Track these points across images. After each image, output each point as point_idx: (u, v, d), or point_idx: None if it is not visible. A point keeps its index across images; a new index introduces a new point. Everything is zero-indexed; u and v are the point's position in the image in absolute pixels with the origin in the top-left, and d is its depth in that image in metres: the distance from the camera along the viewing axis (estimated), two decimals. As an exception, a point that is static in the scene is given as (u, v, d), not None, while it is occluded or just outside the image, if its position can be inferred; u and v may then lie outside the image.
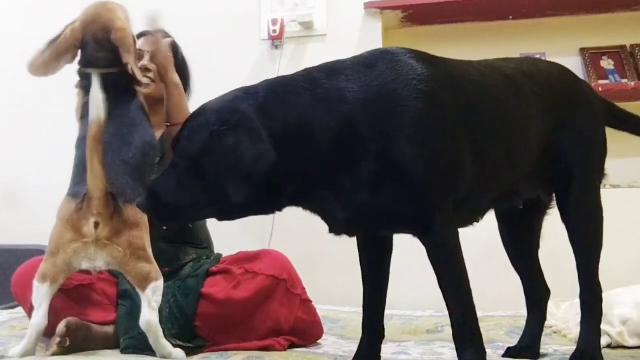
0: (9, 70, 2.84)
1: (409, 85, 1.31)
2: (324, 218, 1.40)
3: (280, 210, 1.37)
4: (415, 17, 3.03)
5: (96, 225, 1.52)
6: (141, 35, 2.09)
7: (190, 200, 1.30)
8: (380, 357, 1.54)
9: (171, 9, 3.18)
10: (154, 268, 1.58)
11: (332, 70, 1.36)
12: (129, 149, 1.60)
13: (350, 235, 1.44)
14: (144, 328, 1.54)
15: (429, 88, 1.31)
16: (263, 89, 1.33)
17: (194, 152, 1.28)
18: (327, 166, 1.29)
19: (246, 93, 1.33)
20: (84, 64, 1.68)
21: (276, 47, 3.09)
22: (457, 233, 1.37)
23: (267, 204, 1.34)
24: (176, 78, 1.89)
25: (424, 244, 1.37)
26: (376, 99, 1.30)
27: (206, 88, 2.80)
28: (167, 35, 2.13)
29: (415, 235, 1.38)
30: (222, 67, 3.06)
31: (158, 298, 1.57)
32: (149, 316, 1.54)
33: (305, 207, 1.39)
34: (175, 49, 2.10)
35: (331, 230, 1.41)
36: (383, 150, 1.28)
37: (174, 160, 1.33)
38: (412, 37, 3.13)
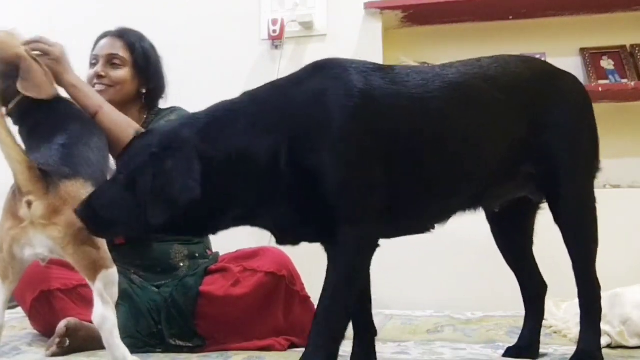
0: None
1: (333, 99, 1.33)
2: (269, 231, 1.42)
3: (219, 231, 1.40)
4: (415, 17, 3.02)
5: (29, 204, 1.37)
6: (101, 37, 2.07)
7: (122, 215, 1.32)
8: (375, 353, 1.54)
9: (171, 9, 3.19)
10: (102, 255, 1.41)
11: (266, 93, 1.40)
12: (57, 135, 1.50)
13: (294, 244, 1.45)
14: (97, 323, 1.38)
15: (353, 102, 1.32)
16: (205, 117, 1.37)
17: (133, 169, 1.31)
18: (264, 187, 1.32)
19: (190, 119, 1.38)
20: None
21: (276, 47, 3.09)
22: (367, 246, 1.35)
23: (206, 225, 1.37)
24: (72, 79, 1.73)
25: (327, 250, 1.38)
26: (302, 115, 1.33)
27: (206, 88, 2.83)
28: (122, 32, 2.06)
29: (325, 243, 1.39)
30: (222, 67, 3.06)
31: (112, 290, 1.41)
32: (102, 310, 1.38)
33: (248, 225, 1.41)
34: (132, 45, 2.04)
35: (277, 241, 1.44)
36: (302, 162, 1.30)
37: (115, 175, 1.37)
38: (412, 37, 3.13)
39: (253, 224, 1.41)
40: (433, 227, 1.52)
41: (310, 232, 1.38)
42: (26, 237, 1.38)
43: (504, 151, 1.48)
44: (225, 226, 1.39)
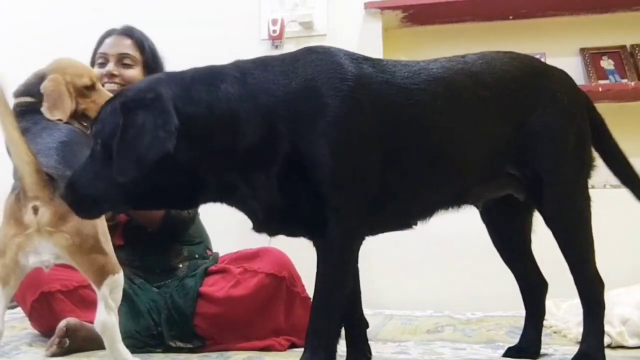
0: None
1: (327, 81, 1.30)
2: (247, 215, 1.38)
3: (201, 204, 1.35)
4: (415, 17, 3.03)
5: (35, 210, 1.33)
6: (106, 35, 2.05)
7: (105, 189, 1.25)
8: (369, 346, 1.56)
9: (172, 9, 3.20)
10: (109, 260, 1.39)
11: (261, 62, 1.35)
12: (53, 135, 1.46)
13: (270, 234, 1.42)
14: (99, 330, 1.39)
15: (347, 86, 1.30)
16: (191, 74, 1.31)
17: (107, 133, 1.24)
18: (248, 161, 1.27)
19: (169, 77, 1.31)
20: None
21: (276, 47, 3.09)
22: (355, 241, 1.34)
23: (188, 196, 1.32)
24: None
25: (314, 244, 1.35)
26: (296, 93, 1.29)
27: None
28: (131, 31, 2.06)
29: (310, 238, 1.36)
30: (222, 67, 3.06)
31: (117, 295, 1.41)
32: (104, 317, 1.37)
33: (230, 204, 1.36)
34: (142, 45, 2.04)
35: (253, 228, 1.39)
36: (293, 146, 1.27)
37: (92, 148, 1.29)
38: (412, 37, 3.13)
39: (231, 203, 1.36)
40: (415, 224, 1.50)
41: (296, 223, 1.34)
42: (31, 245, 1.34)
43: (487, 150, 1.46)
44: (205, 198, 1.33)
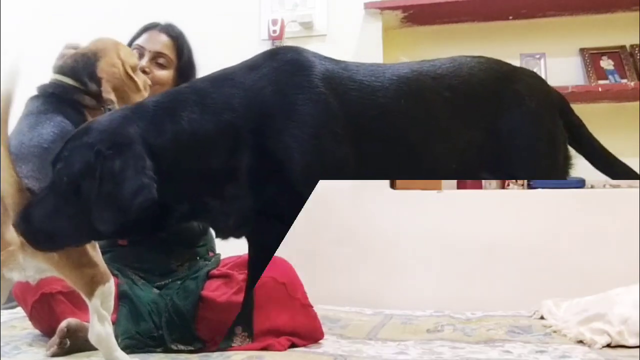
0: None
1: (290, 79, 1.30)
2: (212, 225, 1.38)
3: (166, 230, 1.34)
4: (415, 17, 3.03)
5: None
6: (147, 28, 2.02)
7: (66, 225, 1.23)
8: None
9: (171, 8, 3.19)
10: (97, 271, 1.36)
11: (217, 78, 1.35)
12: (42, 137, 1.38)
13: (237, 237, 1.42)
14: (94, 342, 1.38)
15: (309, 82, 1.30)
16: (153, 106, 1.30)
17: (75, 172, 1.20)
18: (217, 176, 1.27)
19: (134, 112, 1.29)
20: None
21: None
22: None
23: (153, 225, 1.30)
24: None
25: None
26: (260, 98, 1.29)
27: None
28: (173, 31, 2.05)
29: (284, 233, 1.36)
30: (222, 67, 3.06)
31: (108, 304, 1.38)
32: (98, 329, 1.36)
33: (197, 221, 1.38)
34: (181, 50, 2.01)
35: (217, 235, 1.39)
36: (262, 147, 1.26)
37: (51, 181, 1.25)
38: (412, 37, 3.13)
39: (198, 219, 1.37)
40: None
41: (272, 223, 1.34)
42: (15, 262, 1.30)
43: (457, 153, 1.45)
44: (173, 224, 1.33)
